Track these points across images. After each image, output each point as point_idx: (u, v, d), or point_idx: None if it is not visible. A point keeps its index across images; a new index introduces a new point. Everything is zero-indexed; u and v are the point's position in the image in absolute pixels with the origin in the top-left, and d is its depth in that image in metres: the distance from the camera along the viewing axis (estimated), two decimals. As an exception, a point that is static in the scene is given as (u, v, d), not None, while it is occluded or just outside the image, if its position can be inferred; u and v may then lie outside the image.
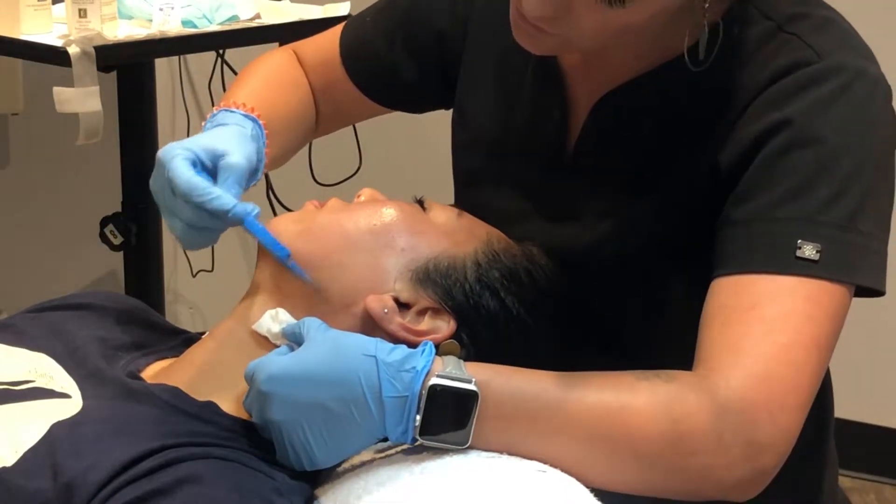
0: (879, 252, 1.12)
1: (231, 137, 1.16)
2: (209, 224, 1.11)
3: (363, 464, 1.11)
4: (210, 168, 1.12)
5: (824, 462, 1.34)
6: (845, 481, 2.64)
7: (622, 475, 1.04)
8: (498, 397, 1.04)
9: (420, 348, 1.06)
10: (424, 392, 1.02)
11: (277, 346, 1.12)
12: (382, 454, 1.12)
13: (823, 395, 1.32)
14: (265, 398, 1.04)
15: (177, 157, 1.11)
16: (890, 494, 2.69)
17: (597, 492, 1.05)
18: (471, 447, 1.05)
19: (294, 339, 1.10)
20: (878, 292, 1.12)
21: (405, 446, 1.10)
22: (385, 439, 1.07)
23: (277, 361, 1.05)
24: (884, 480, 2.71)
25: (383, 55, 1.41)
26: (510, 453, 1.05)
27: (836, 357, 1.42)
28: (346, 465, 1.13)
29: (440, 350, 1.10)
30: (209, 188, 1.09)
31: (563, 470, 1.05)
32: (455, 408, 1.03)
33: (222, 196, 1.09)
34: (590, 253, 1.23)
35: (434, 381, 1.03)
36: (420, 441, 1.04)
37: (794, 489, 1.28)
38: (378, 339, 1.06)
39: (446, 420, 1.03)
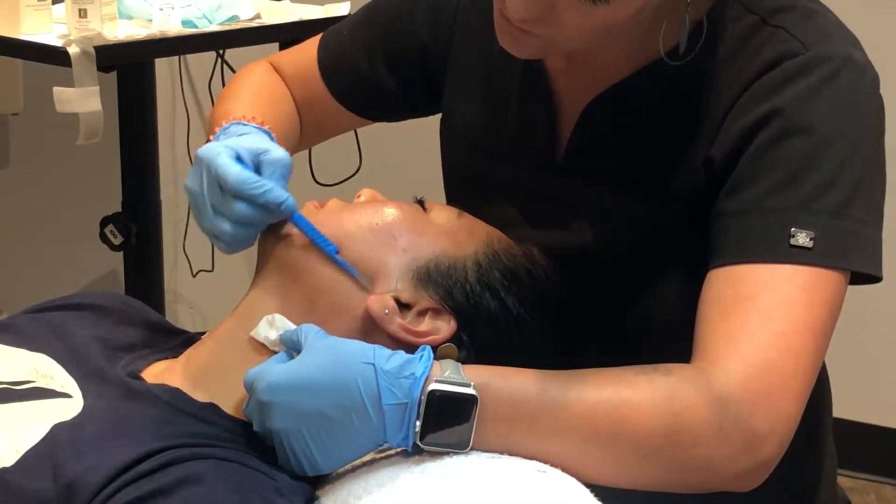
0: (874, 238, 1.12)
1: (262, 139, 1.18)
2: (257, 220, 1.13)
3: (363, 464, 1.11)
4: (252, 166, 1.14)
5: (822, 458, 1.34)
6: (845, 481, 2.64)
7: (625, 471, 1.05)
8: (497, 399, 1.04)
9: (418, 354, 1.06)
10: (423, 398, 1.02)
11: (276, 352, 1.12)
12: (383, 454, 1.12)
13: (819, 391, 1.32)
14: (265, 407, 1.04)
15: (221, 153, 1.12)
16: (890, 494, 2.69)
17: (598, 490, 1.05)
18: (471, 449, 1.05)
19: (292, 346, 1.10)
20: (874, 278, 1.12)
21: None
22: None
23: (277, 370, 1.05)
24: (884, 480, 2.71)
25: (364, 68, 1.40)
26: (511, 454, 1.05)
27: (837, 357, 1.42)
28: (346, 466, 1.13)
29: (438, 354, 1.10)
30: (261, 180, 1.12)
31: (565, 468, 1.05)
32: (455, 412, 1.03)
33: (275, 188, 1.12)
34: (584, 255, 1.23)
35: (433, 386, 1.02)
36: (421, 446, 1.04)
37: (792, 485, 1.29)
38: (376, 345, 1.06)
39: (446, 425, 1.03)
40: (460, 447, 1.04)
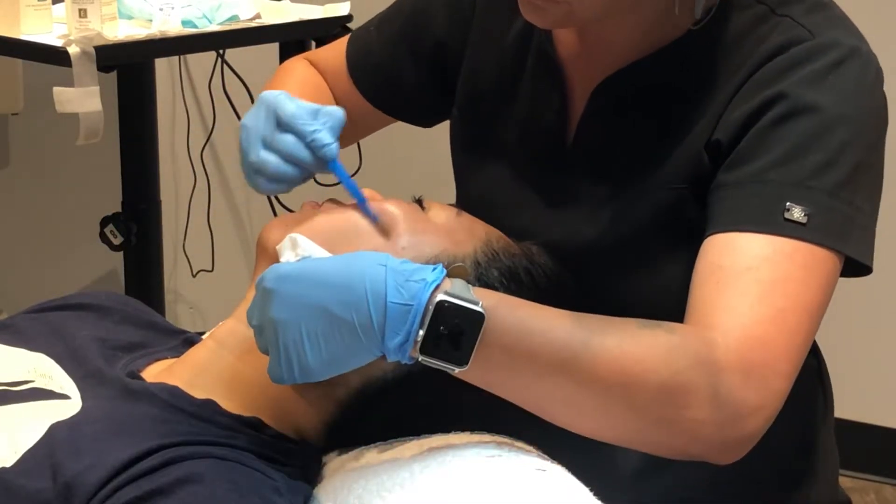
0: (867, 228, 1.13)
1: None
2: (301, 160, 1.15)
3: (364, 464, 1.11)
4: (307, 113, 1.17)
5: (822, 456, 1.34)
6: (845, 481, 2.63)
7: (613, 421, 1.04)
8: (502, 325, 1.02)
9: (431, 266, 1.03)
10: (431, 307, 1.00)
11: None
12: (384, 452, 1.12)
13: (822, 387, 1.33)
14: (269, 295, 1.02)
15: (282, 94, 1.17)
16: (890, 494, 2.69)
17: (598, 489, 1.05)
18: (468, 369, 1.01)
19: None
20: (865, 269, 1.14)
21: (406, 445, 1.10)
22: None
23: (290, 264, 1.05)
24: (884, 480, 2.71)
25: (387, 64, 1.42)
26: (504, 386, 1.04)
27: (837, 357, 1.42)
28: (346, 465, 1.13)
29: (449, 273, 1.07)
30: (313, 121, 1.16)
31: (554, 411, 1.04)
32: (459, 328, 1.00)
33: (324, 130, 1.16)
34: (592, 237, 1.24)
35: (441, 296, 1.00)
36: (418, 358, 1.01)
37: (792, 483, 1.29)
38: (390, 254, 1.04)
39: (448, 340, 1.00)
40: (458, 364, 1.01)
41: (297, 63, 1.49)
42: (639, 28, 1.21)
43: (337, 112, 1.18)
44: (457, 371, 1.01)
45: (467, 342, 1.00)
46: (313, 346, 1.01)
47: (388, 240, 1.16)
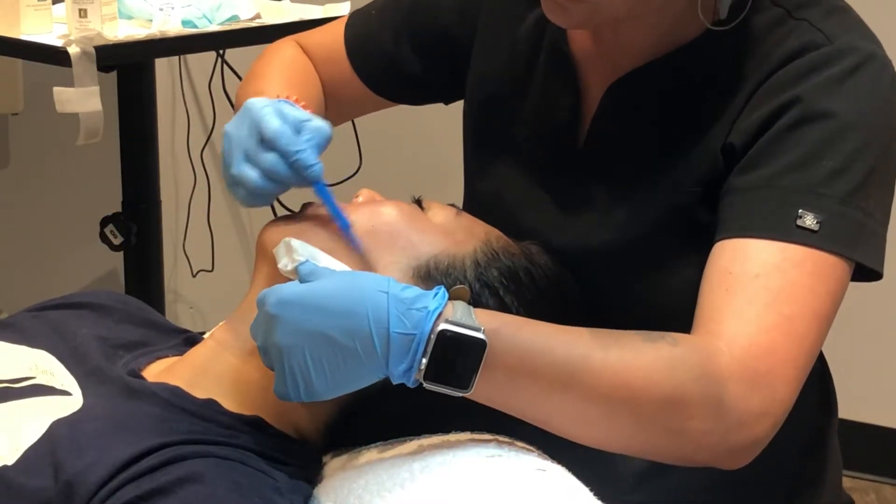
0: (878, 234, 1.13)
1: (305, 112, 1.18)
2: (283, 177, 1.13)
3: (364, 463, 1.11)
4: (293, 129, 1.15)
5: (826, 459, 1.34)
6: (846, 481, 2.62)
7: (620, 434, 1.05)
8: (504, 348, 1.02)
9: (433, 291, 1.04)
10: (433, 336, 1.00)
11: None
12: (385, 452, 1.12)
13: (825, 391, 1.33)
14: (272, 320, 1.02)
15: (267, 107, 1.14)
16: (890, 494, 2.69)
17: (598, 489, 1.05)
18: (472, 396, 1.03)
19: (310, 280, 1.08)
20: (876, 275, 1.14)
21: (406, 445, 1.10)
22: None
23: (290, 287, 1.04)
24: (884, 480, 2.71)
25: (390, 51, 1.41)
26: (510, 404, 1.04)
27: (838, 357, 1.42)
28: (346, 466, 1.13)
29: (451, 295, 1.08)
30: (297, 140, 1.13)
31: (561, 425, 1.05)
32: (462, 355, 1.01)
33: (308, 150, 1.13)
34: (604, 240, 1.24)
35: (444, 326, 1.00)
36: (423, 384, 1.02)
37: (797, 485, 1.29)
38: (391, 277, 1.04)
39: (451, 366, 1.01)
40: (461, 389, 1.02)
41: (286, 45, 1.47)
42: (657, 28, 1.20)
43: (323, 128, 1.15)
44: (461, 394, 1.02)
45: (470, 369, 1.01)
46: (318, 371, 1.02)
47: (367, 265, 1.15)
